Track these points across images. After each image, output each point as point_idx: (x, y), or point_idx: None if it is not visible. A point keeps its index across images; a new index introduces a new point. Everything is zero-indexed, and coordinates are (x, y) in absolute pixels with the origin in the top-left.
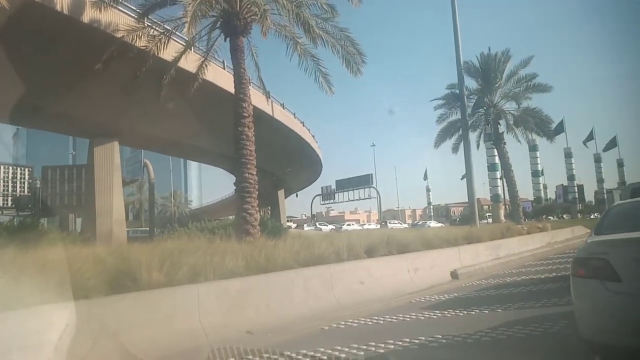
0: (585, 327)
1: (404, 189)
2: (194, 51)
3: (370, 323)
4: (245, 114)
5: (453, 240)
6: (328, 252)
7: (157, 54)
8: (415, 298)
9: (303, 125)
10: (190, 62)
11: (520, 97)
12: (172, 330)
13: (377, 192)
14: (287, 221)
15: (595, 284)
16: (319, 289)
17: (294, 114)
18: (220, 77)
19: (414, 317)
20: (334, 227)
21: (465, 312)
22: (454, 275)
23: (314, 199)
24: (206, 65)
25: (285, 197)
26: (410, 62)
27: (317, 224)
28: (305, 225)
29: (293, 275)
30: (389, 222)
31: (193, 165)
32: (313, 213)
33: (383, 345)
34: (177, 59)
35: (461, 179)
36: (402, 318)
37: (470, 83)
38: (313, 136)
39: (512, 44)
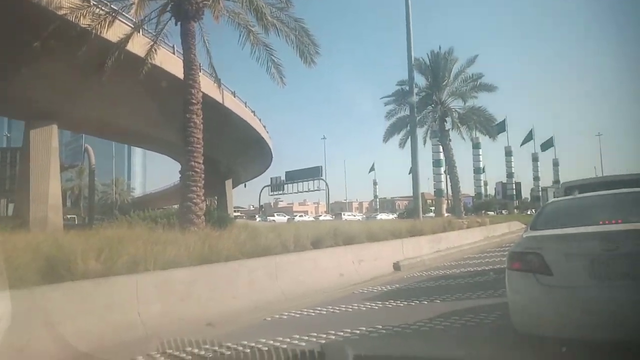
0: (518, 319)
1: (352, 182)
2: (143, 35)
3: (313, 314)
4: (194, 101)
5: (397, 232)
6: (274, 244)
7: (101, 33)
8: (358, 289)
9: (254, 115)
10: (138, 46)
11: (467, 96)
12: (110, 321)
13: (326, 184)
14: (235, 211)
15: (528, 277)
16: (263, 280)
17: (245, 103)
18: (170, 62)
19: (356, 308)
20: (288, 218)
21: (405, 303)
22: (397, 267)
23: (262, 189)
24: (155, 50)
25: (233, 187)
26: (364, 56)
27: (275, 214)
28: (257, 216)
29: (237, 266)
30: (344, 214)
31: (138, 152)
32: (261, 204)
33: (324, 335)
34: (124, 41)
35: (409, 173)
36: (344, 309)
37: (421, 80)
38: (264, 126)
39: (466, 46)
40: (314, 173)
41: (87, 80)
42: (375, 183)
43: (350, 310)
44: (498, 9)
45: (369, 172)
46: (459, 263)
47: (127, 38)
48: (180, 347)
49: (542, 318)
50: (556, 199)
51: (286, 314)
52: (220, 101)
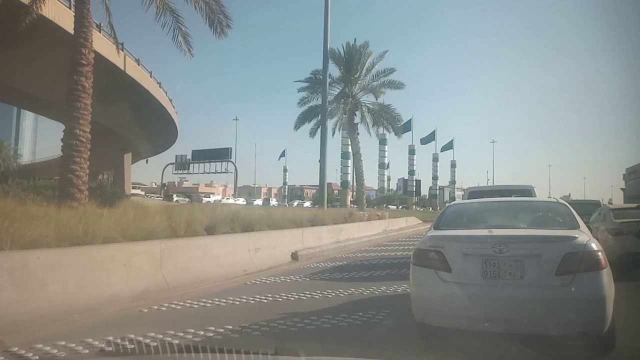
0: (419, 310)
1: (263, 167)
2: None
3: (196, 306)
4: (83, 62)
5: (299, 221)
6: (162, 227)
7: None
8: (251, 279)
9: (160, 87)
10: None
11: (377, 91)
12: None
13: (235, 166)
14: (134, 188)
15: (430, 273)
16: (145, 266)
17: (151, 73)
18: (64, 16)
19: (244, 300)
20: (189, 199)
21: (297, 296)
22: (295, 256)
23: (166, 167)
24: None
25: (133, 162)
26: (283, 39)
27: (174, 195)
28: (155, 195)
29: (114, 250)
30: (263, 200)
31: (29, 116)
32: (164, 182)
33: (202, 332)
34: None
35: (319, 161)
36: (231, 301)
37: (336, 72)
38: (170, 100)
39: (382, 44)
40: (222, 154)
41: None
42: (285, 170)
43: (238, 302)
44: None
45: (279, 158)
46: (355, 255)
47: None
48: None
49: (440, 310)
50: (457, 202)
51: (166, 305)
52: (122, 67)
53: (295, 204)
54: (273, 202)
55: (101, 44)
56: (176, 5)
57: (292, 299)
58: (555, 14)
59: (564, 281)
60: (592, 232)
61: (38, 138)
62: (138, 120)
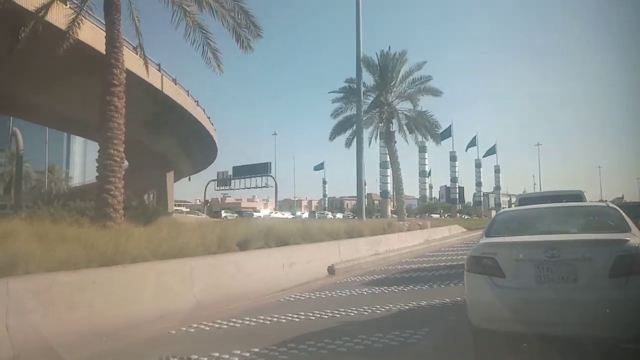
0: (474, 315)
1: (301, 180)
2: (69, 7)
3: (225, 326)
4: (115, 82)
5: (335, 234)
6: (194, 244)
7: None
8: (285, 296)
9: (197, 105)
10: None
11: (414, 98)
12: None
13: (275, 180)
14: (178, 206)
15: (484, 279)
16: (175, 285)
17: (188, 92)
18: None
19: (276, 319)
20: (237, 215)
21: (330, 314)
22: (331, 270)
23: (208, 184)
24: (79, 23)
25: (176, 181)
26: (316, 52)
27: (222, 211)
28: (198, 211)
29: (144, 270)
30: (309, 213)
31: (78, 140)
32: (207, 199)
33: (227, 357)
34: (43, 10)
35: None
36: (262, 321)
37: (369, 80)
38: (208, 117)
39: (417, 50)
40: (262, 169)
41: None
42: (324, 182)
43: (269, 322)
44: (451, 16)
45: (316, 169)
46: (395, 268)
47: (48, 4)
48: None
49: (495, 314)
50: (507, 209)
51: (195, 325)
52: (159, 87)
53: (329, 215)
54: (328, 214)
55: (138, 65)
56: (204, 20)
57: (325, 317)
58: (601, 10)
59: (617, 284)
60: None
61: (87, 160)
62: (178, 139)
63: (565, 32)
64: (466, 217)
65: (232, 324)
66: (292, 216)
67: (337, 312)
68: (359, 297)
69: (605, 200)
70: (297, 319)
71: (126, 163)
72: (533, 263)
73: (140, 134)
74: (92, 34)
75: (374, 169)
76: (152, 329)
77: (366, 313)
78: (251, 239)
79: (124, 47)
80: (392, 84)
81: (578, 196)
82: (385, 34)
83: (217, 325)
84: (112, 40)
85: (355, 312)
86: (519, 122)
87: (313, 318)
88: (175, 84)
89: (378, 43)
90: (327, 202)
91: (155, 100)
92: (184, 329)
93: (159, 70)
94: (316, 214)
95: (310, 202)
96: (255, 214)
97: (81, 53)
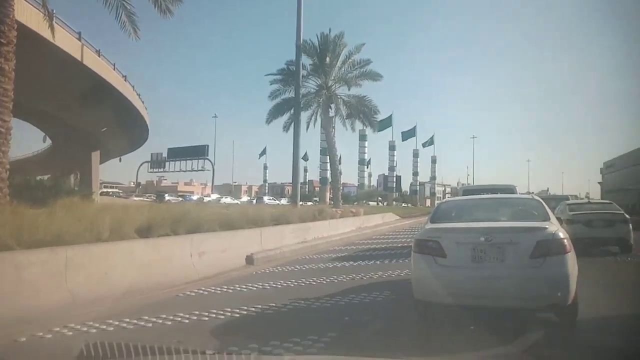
0: (419, 290)
1: (243, 165)
2: None
3: (94, 331)
4: (2, 40)
5: (259, 220)
6: (77, 230)
7: None
8: (188, 290)
9: (125, 80)
10: None
11: (352, 82)
12: None
13: (212, 164)
14: (109, 188)
15: (429, 259)
16: (44, 280)
17: (114, 65)
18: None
19: (160, 321)
20: (180, 199)
21: (229, 313)
22: (250, 260)
23: (141, 165)
24: None
25: (104, 161)
26: (260, 32)
27: (166, 194)
28: (133, 194)
29: None
30: (257, 198)
31: None
32: (139, 181)
33: None
34: None
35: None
36: (143, 323)
37: (310, 64)
38: (138, 95)
39: (359, 36)
40: (199, 152)
41: None
42: (265, 167)
43: (150, 325)
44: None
45: (260, 156)
46: (322, 257)
47: None
48: None
49: (437, 289)
50: (448, 199)
51: (57, 329)
52: (79, 58)
53: (265, 201)
54: (269, 200)
55: (58, 32)
56: None
57: (222, 317)
58: (533, 14)
59: (536, 263)
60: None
61: None
62: (104, 116)
63: (503, 29)
64: (403, 205)
65: (104, 327)
66: (243, 201)
67: (238, 310)
68: (271, 292)
69: (532, 193)
70: (187, 320)
71: (49, 141)
72: (470, 245)
73: (60, 110)
74: None
75: (316, 156)
76: (2, 334)
77: (270, 312)
78: (156, 224)
79: (31, 6)
80: (331, 66)
81: (510, 189)
82: (336, 19)
83: (86, 329)
84: None
85: (259, 310)
86: (458, 116)
87: (206, 319)
88: (99, 56)
89: (325, 26)
90: (267, 187)
91: (75, 73)
92: (40, 334)
93: (80, 40)
94: (264, 199)
95: (250, 187)
96: (206, 199)
97: None
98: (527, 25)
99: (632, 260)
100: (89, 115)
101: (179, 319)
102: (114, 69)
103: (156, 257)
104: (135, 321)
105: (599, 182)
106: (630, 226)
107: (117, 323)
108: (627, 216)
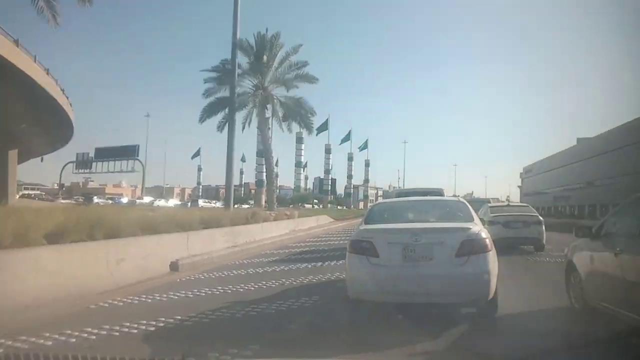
0: (353, 289)
1: (176, 167)
2: None
3: None
4: None
5: (187, 224)
6: None
7: None
8: (102, 300)
9: (47, 73)
10: None
11: (289, 84)
12: None
13: (143, 165)
14: (26, 189)
15: (362, 259)
16: None
17: (35, 57)
18: None
19: (63, 339)
20: (110, 201)
21: (144, 326)
22: (174, 266)
23: (65, 165)
24: None
25: (23, 161)
26: (194, 30)
27: (94, 197)
28: (59, 197)
29: None
30: (191, 201)
31: None
32: (63, 182)
33: None
34: None
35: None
36: (42, 342)
37: (247, 63)
38: (62, 90)
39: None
40: (129, 152)
41: None
42: (199, 169)
43: (49, 344)
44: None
45: (193, 157)
46: (252, 261)
47: None
48: None
49: (370, 287)
50: (381, 201)
51: None
52: None
53: (200, 204)
54: (204, 203)
55: None
56: None
57: (135, 330)
58: (461, 20)
59: (461, 261)
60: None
61: None
62: (22, 112)
63: (434, 36)
64: (338, 207)
65: None
66: (177, 204)
67: (154, 322)
68: (194, 300)
69: (458, 196)
70: (94, 337)
71: None
72: (401, 245)
73: None
74: None
75: (253, 158)
76: None
77: (189, 323)
78: (70, 229)
79: None
80: (268, 67)
81: (439, 192)
82: (277, 19)
83: None
84: None
85: (178, 321)
86: (390, 120)
87: (117, 334)
88: (17, 46)
89: (263, 28)
90: (201, 190)
91: None
92: None
93: None
94: (199, 202)
95: (183, 190)
96: (138, 201)
97: None
98: (454, 31)
99: (542, 260)
100: (4, 110)
101: (85, 334)
102: (35, 61)
103: (67, 265)
104: (34, 339)
105: (518, 186)
106: (544, 227)
107: (9, 343)
108: (540, 218)
